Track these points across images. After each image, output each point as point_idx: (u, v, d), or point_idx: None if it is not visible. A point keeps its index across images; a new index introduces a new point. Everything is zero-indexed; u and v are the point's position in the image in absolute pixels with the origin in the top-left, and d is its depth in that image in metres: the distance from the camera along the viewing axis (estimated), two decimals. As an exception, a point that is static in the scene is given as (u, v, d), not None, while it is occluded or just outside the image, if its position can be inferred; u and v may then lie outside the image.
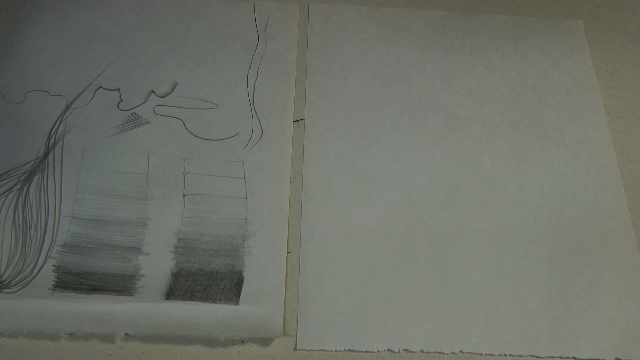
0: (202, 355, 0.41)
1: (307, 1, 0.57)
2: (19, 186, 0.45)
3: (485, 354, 0.41)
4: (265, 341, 0.41)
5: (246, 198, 0.46)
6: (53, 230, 0.44)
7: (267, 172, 0.47)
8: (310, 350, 0.41)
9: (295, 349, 0.41)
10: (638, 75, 0.55)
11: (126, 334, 0.41)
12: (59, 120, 0.49)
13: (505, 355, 0.41)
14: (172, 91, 0.51)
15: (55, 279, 0.42)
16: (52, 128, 0.48)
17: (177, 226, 0.44)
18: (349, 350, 0.41)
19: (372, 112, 0.51)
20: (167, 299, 0.41)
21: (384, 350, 0.41)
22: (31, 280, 0.42)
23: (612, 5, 0.59)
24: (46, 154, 0.47)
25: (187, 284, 0.42)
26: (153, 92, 0.51)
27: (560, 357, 0.41)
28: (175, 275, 0.42)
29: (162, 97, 0.50)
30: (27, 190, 0.45)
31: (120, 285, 0.42)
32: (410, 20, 0.56)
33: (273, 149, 0.48)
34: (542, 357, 0.41)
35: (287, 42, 0.54)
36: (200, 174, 0.47)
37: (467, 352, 0.41)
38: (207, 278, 0.42)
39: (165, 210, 0.45)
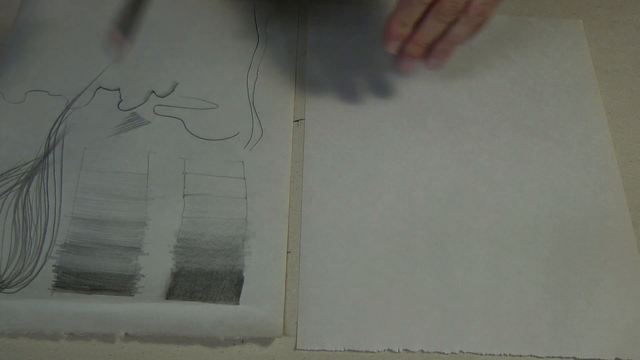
0: (202, 355, 0.41)
1: (307, 1, 0.57)
2: (19, 186, 0.45)
3: (485, 354, 0.41)
4: (265, 341, 0.41)
5: (246, 198, 0.46)
6: (53, 230, 0.44)
7: (267, 172, 0.47)
8: (310, 350, 0.41)
9: (295, 349, 0.41)
10: (638, 75, 0.55)
11: (126, 334, 0.41)
12: (59, 120, 0.49)
13: (505, 355, 0.41)
14: (172, 91, 0.51)
15: (55, 279, 0.42)
16: (52, 128, 0.48)
17: (177, 226, 0.44)
18: (349, 350, 0.41)
19: (372, 112, 0.51)
20: (167, 299, 0.41)
21: (384, 350, 0.41)
22: (31, 280, 0.42)
23: (612, 5, 0.59)
24: (46, 154, 0.47)
25: (187, 284, 0.42)
26: (153, 92, 0.51)
27: (560, 357, 0.41)
28: (175, 275, 0.42)
29: (162, 97, 0.50)
30: (27, 190, 0.45)
31: (120, 285, 0.42)
32: (410, 20, 0.56)
33: (273, 149, 0.48)
34: (542, 357, 0.41)
35: (287, 42, 0.54)
36: (200, 174, 0.47)
37: (467, 352, 0.41)
38: (207, 278, 0.42)
39: (165, 210, 0.45)
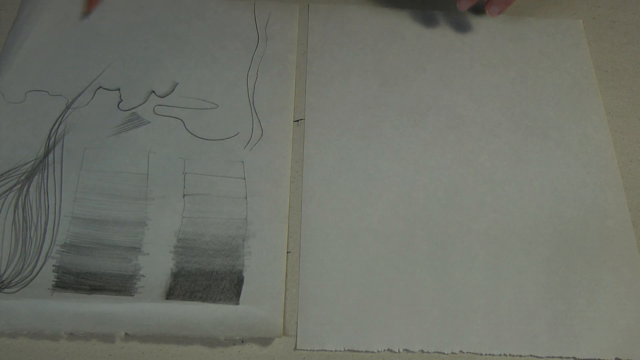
0: (202, 355, 0.41)
1: (307, 1, 0.57)
2: (19, 186, 0.45)
3: (485, 354, 0.41)
4: (265, 341, 0.41)
5: (246, 198, 0.46)
6: (53, 230, 0.44)
7: (267, 172, 0.47)
8: (310, 350, 0.41)
9: (295, 349, 0.41)
10: (638, 75, 0.55)
11: (126, 334, 0.41)
12: (59, 120, 0.49)
13: (505, 355, 0.41)
14: (172, 91, 0.51)
15: (55, 279, 0.42)
16: (52, 128, 0.48)
17: (177, 226, 0.44)
18: (349, 350, 0.41)
19: (372, 112, 0.51)
20: (167, 299, 0.41)
21: (384, 350, 0.41)
22: (31, 280, 0.42)
23: (612, 5, 0.59)
24: (46, 154, 0.47)
25: (187, 284, 0.42)
26: (153, 92, 0.51)
27: (560, 357, 0.41)
28: (175, 275, 0.42)
29: (162, 97, 0.50)
30: (27, 190, 0.45)
31: (120, 285, 0.42)
32: (411, 20, 0.56)
33: (273, 149, 0.48)
34: (542, 357, 0.41)
35: (287, 42, 0.54)
36: (200, 174, 0.47)
37: (467, 352, 0.41)
38: (207, 278, 0.42)
39: (165, 210, 0.45)
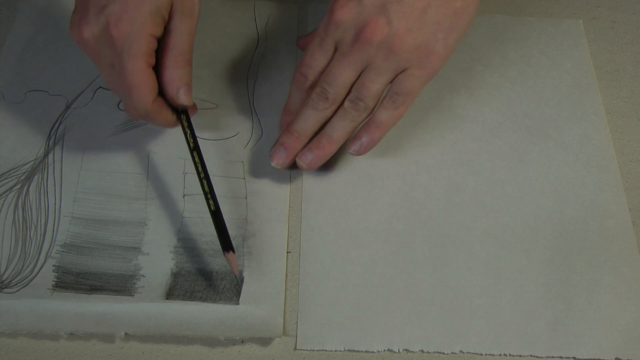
0: (202, 355, 0.41)
1: (307, 1, 0.57)
2: (19, 186, 0.45)
3: (485, 354, 0.41)
4: (265, 341, 0.41)
5: (246, 198, 0.46)
6: (53, 230, 0.44)
7: (267, 172, 0.47)
8: (310, 350, 0.41)
9: (295, 349, 0.41)
10: (638, 75, 0.55)
11: (126, 334, 0.41)
12: (59, 120, 0.49)
13: (505, 355, 0.41)
14: (172, 91, 0.51)
15: (55, 279, 0.42)
16: (52, 128, 0.48)
17: (177, 226, 0.44)
18: (349, 350, 0.41)
19: (372, 112, 0.51)
20: (167, 299, 0.41)
21: (384, 350, 0.41)
22: (31, 280, 0.42)
23: (612, 5, 0.59)
24: (46, 154, 0.47)
25: (187, 284, 0.42)
26: (153, 92, 0.51)
27: (560, 357, 0.41)
28: (175, 275, 0.42)
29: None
30: (27, 190, 0.45)
31: (120, 285, 0.42)
32: (410, 20, 0.56)
33: (273, 149, 0.48)
34: (542, 357, 0.41)
35: (287, 42, 0.54)
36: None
37: (467, 352, 0.41)
38: (207, 278, 0.42)
39: (165, 210, 0.45)
